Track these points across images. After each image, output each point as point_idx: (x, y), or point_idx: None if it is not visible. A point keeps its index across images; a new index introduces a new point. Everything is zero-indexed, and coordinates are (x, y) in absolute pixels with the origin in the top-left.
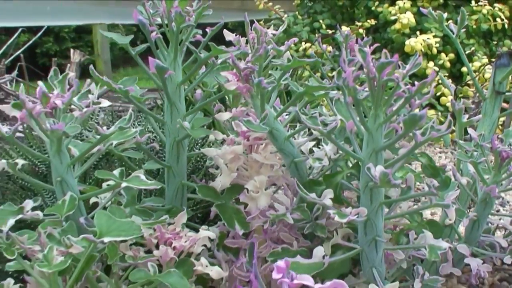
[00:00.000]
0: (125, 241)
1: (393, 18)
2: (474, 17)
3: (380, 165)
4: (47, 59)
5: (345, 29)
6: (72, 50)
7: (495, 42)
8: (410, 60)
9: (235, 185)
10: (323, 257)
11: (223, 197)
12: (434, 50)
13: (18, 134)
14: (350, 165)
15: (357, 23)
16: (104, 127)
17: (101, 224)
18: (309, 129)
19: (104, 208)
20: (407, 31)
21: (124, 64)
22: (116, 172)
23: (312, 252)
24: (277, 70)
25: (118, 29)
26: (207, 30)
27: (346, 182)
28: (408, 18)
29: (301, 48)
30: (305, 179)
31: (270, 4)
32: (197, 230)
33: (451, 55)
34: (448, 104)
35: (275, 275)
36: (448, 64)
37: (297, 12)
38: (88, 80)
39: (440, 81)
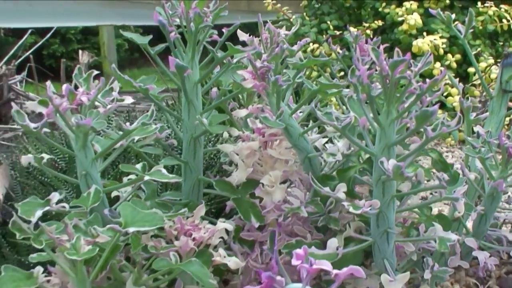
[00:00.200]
0: (146, 232)
1: (400, 19)
2: (480, 18)
3: (392, 159)
4: (53, 61)
5: (353, 30)
6: (80, 52)
7: (501, 43)
8: (416, 60)
9: (251, 180)
10: (337, 248)
11: (239, 191)
12: (441, 51)
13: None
14: (362, 161)
15: (364, 24)
16: (127, 123)
17: (126, 215)
18: (319, 127)
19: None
20: (414, 32)
21: (130, 66)
22: (138, 166)
23: (325, 245)
24: (288, 69)
25: (124, 30)
26: (223, 30)
27: (358, 176)
28: (415, 19)
29: (309, 49)
30: (318, 174)
31: (279, 5)
32: (213, 224)
33: (458, 56)
34: (455, 104)
35: (294, 262)
36: (454, 65)
37: (304, 14)
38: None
39: (447, 82)
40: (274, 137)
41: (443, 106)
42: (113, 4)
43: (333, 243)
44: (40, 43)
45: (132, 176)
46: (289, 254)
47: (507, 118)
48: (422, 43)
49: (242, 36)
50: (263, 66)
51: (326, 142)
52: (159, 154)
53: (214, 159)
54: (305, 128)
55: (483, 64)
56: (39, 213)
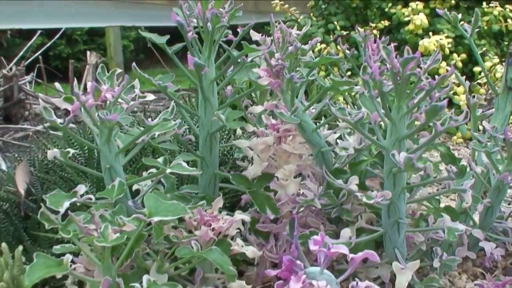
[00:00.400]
0: (167, 223)
1: (406, 19)
2: (485, 18)
3: (403, 152)
4: (59, 62)
5: (360, 30)
6: (88, 52)
7: (506, 43)
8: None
9: (266, 174)
10: (350, 238)
11: (255, 185)
12: (447, 51)
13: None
14: (372, 155)
15: (370, 24)
16: (149, 119)
17: (150, 206)
18: (328, 124)
19: None
20: (420, 32)
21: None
22: (160, 159)
23: (337, 236)
24: (299, 68)
25: (129, 32)
26: (238, 30)
27: (370, 169)
28: (421, 19)
29: (316, 49)
30: (331, 168)
31: (286, 6)
32: (230, 216)
33: (463, 56)
34: (461, 103)
35: (313, 247)
36: (460, 64)
37: (311, 14)
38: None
39: (453, 81)
40: (288, 132)
41: (450, 104)
42: (122, 5)
43: (346, 233)
44: (49, 44)
45: (153, 170)
46: (303, 245)
47: None
48: (428, 43)
49: (255, 35)
50: (278, 64)
51: (339, 138)
52: (174, 150)
53: (227, 156)
54: (317, 124)
55: (488, 63)
56: (66, 204)
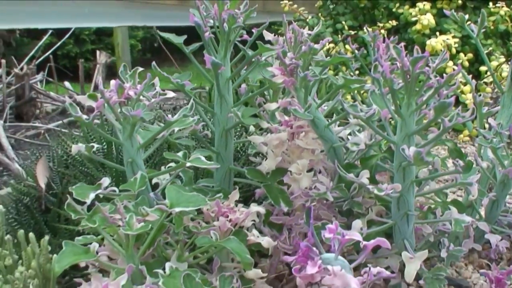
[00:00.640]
0: (187, 214)
1: (413, 19)
2: (492, 18)
3: (413, 147)
4: (67, 61)
5: (369, 30)
6: (98, 52)
7: None
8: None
9: (279, 169)
10: (361, 229)
11: (269, 179)
12: (453, 50)
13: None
14: (382, 151)
15: (378, 24)
16: (169, 115)
17: (171, 197)
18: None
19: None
20: (427, 31)
21: (142, 66)
22: (180, 154)
23: (348, 228)
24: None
25: (137, 31)
26: (253, 30)
27: (381, 163)
28: (428, 19)
29: (325, 48)
30: (342, 163)
31: (295, 6)
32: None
33: (470, 55)
34: (467, 102)
35: (327, 235)
36: (466, 64)
37: (319, 14)
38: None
39: (459, 80)
40: (301, 129)
41: (457, 102)
42: (133, 6)
43: (357, 224)
44: (59, 43)
45: (172, 165)
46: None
47: None
48: (435, 43)
49: (268, 35)
50: (292, 63)
51: (349, 134)
52: (190, 146)
53: (240, 152)
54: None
55: (494, 63)
56: (92, 195)
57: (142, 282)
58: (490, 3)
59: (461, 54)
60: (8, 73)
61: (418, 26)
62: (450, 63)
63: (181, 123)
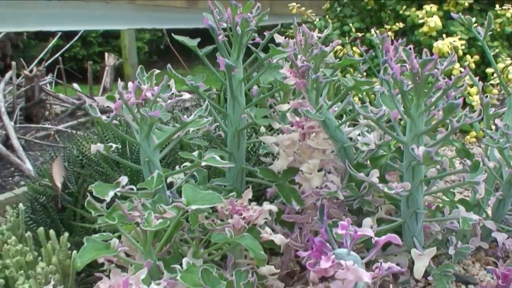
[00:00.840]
0: (202, 212)
1: (420, 21)
2: (498, 20)
3: (422, 146)
4: (74, 63)
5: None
6: (106, 54)
7: None
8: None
9: (291, 168)
10: (371, 227)
11: (281, 178)
12: (460, 52)
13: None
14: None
15: (385, 26)
16: (185, 116)
17: (188, 195)
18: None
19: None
20: (434, 34)
21: (149, 68)
22: (195, 153)
23: (359, 226)
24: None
25: (144, 33)
26: (265, 33)
27: (390, 162)
28: (435, 21)
29: (332, 50)
30: (353, 162)
31: (303, 8)
32: None
33: (476, 57)
34: (474, 104)
35: (340, 231)
36: (473, 66)
37: (327, 16)
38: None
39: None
40: (312, 129)
41: (464, 104)
42: (142, 9)
43: (367, 222)
44: (68, 45)
45: (187, 164)
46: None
47: None
48: (442, 45)
49: (278, 38)
50: (303, 65)
51: (359, 135)
52: (202, 146)
53: (250, 153)
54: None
55: (501, 65)
56: (111, 193)
57: (160, 277)
58: (497, 5)
59: (468, 56)
60: (17, 75)
61: (425, 28)
62: (457, 65)
63: (196, 124)
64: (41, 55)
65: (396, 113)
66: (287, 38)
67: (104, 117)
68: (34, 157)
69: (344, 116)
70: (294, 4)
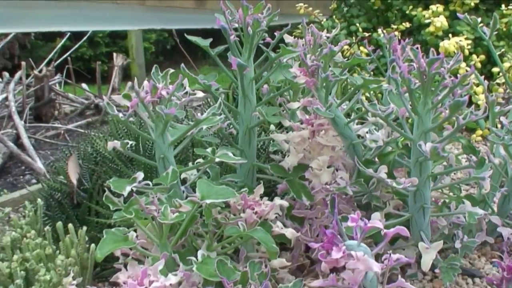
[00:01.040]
0: (215, 206)
1: (426, 21)
2: (504, 20)
3: (429, 143)
4: (81, 63)
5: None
6: (115, 54)
7: None
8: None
9: (301, 165)
10: (379, 221)
11: (291, 174)
12: (466, 52)
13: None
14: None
15: (392, 26)
16: (199, 113)
17: (202, 190)
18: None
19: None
20: (440, 33)
21: None
22: (208, 150)
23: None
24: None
25: (150, 34)
26: (275, 33)
27: (398, 159)
28: (441, 21)
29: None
30: (361, 159)
31: (310, 9)
32: None
33: (482, 57)
34: (480, 102)
35: (350, 224)
36: (479, 65)
37: (334, 16)
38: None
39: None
40: (321, 127)
41: (470, 103)
42: (151, 9)
43: (376, 216)
44: (76, 46)
45: (200, 160)
46: None
47: None
48: (448, 44)
49: (288, 38)
50: (313, 64)
51: (367, 132)
52: (213, 143)
53: (260, 150)
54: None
55: (506, 64)
56: (128, 188)
57: (175, 269)
58: (503, 5)
59: (474, 56)
60: (27, 75)
61: (431, 28)
62: (463, 64)
63: (210, 121)
64: (50, 56)
65: (403, 111)
66: (296, 38)
67: (121, 114)
68: (44, 156)
69: (352, 114)
70: (301, 4)
